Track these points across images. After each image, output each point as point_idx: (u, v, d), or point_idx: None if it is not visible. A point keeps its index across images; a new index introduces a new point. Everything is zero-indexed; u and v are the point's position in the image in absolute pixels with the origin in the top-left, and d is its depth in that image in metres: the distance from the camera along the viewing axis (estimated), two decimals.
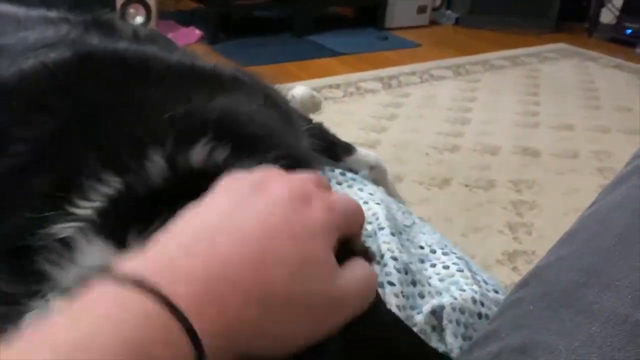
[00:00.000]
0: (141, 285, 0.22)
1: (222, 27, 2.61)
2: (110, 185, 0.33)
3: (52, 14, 0.51)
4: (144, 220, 0.31)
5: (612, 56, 2.85)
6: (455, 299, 0.48)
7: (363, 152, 0.77)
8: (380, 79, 2.30)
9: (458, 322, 0.47)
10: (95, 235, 0.32)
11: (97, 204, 0.33)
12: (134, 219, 0.32)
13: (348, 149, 0.75)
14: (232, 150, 0.34)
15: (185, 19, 2.77)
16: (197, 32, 2.60)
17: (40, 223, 0.32)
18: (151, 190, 0.33)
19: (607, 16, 3.21)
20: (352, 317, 0.28)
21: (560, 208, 1.45)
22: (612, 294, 0.30)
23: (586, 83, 2.47)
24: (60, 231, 0.32)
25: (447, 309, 0.48)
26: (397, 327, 0.33)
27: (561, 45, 3.03)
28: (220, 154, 0.34)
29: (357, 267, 0.30)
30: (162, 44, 0.53)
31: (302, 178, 0.30)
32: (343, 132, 1.85)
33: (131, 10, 2.25)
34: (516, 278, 1.19)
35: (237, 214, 0.27)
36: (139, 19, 2.28)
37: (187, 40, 2.53)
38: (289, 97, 1.17)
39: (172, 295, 0.22)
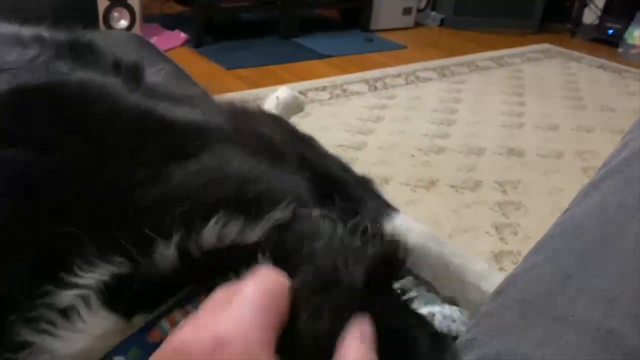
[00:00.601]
0: None
1: (207, 30, 2.60)
2: (117, 265, 0.32)
3: (27, 32, 0.47)
4: (152, 299, 0.31)
5: (595, 56, 2.89)
6: (444, 307, 0.48)
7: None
8: (366, 81, 2.30)
9: (449, 331, 0.47)
10: (99, 304, 0.31)
11: (101, 277, 0.31)
12: (140, 296, 0.31)
13: (377, 214, 0.62)
14: (244, 220, 0.33)
15: (170, 22, 2.76)
16: (182, 35, 2.59)
17: (33, 294, 0.31)
18: (161, 275, 0.32)
19: (589, 17, 3.25)
20: None
21: (545, 208, 1.46)
22: (585, 302, 0.30)
23: (570, 83, 2.49)
24: (60, 300, 0.31)
25: (438, 317, 0.48)
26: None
27: (545, 46, 3.06)
28: (233, 228, 0.33)
29: None
30: (149, 78, 0.47)
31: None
32: (330, 134, 1.84)
33: (115, 14, 2.24)
34: None
35: None
36: (123, 23, 2.26)
37: (173, 43, 2.52)
38: (273, 99, 1.14)
39: None
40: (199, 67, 2.31)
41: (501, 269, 1.23)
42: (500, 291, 0.36)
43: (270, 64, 2.41)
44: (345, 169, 0.64)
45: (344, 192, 0.55)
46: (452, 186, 1.55)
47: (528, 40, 3.12)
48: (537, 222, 1.39)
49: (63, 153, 0.34)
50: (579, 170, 1.69)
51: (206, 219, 0.33)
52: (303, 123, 1.82)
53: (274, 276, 0.32)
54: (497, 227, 1.37)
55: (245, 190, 0.36)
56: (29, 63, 0.41)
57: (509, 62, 2.73)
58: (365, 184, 0.63)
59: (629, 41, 2.96)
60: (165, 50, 2.07)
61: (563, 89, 2.40)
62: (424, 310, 0.48)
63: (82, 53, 0.45)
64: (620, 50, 2.97)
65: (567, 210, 0.40)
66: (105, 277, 0.31)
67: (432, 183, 1.55)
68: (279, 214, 0.34)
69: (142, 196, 0.34)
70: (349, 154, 1.67)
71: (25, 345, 0.31)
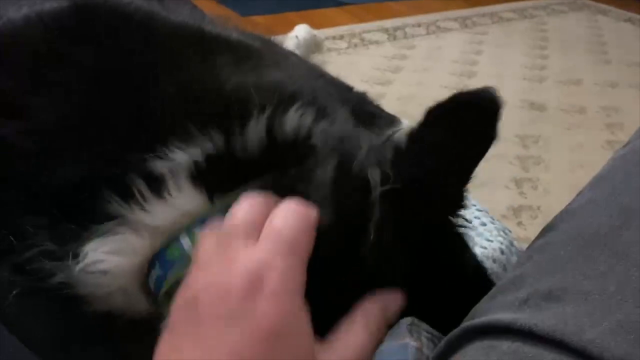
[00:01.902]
0: None
1: None
2: (210, 141, 0.34)
3: None
4: (234, 180, 0.34)
5: (623, 9, 2.78)
6: (485, 248, 0.47)
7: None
8: (385, 30, 2.24)
9: (490, 272, 0.46)
10: (186, 180, 0.34)
11: (194, 153, 0.34)
12: (225, 178, 0.34)
13: (391, 122, 0.70)
14: (315, 115, 0.38)
15: None
16: None
17: (129, 160, 0.33)
18: (247, 152, 0.35)
19: None
20: None
21: (566, 163, 1.43)
22: None
23: (595, 37, 2.41)
24: (153, 169, 0.33)
25: (489, 227, 0.47)
26: None
27: None
28: (307, 119, 0.37)
29: (349, 335, 0.30)
30: (176, 6, 0.50)
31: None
32: None
33: None
34: (521, 233, 1.18)
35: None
36: None
37: None
38: (293, 38, 1.13)
39: None
40: (213, 13, 2.25)
41: (519, 223, 1.22)
42: (552, 227, 0.34)
43: (286, 11, 2.34)
44: (349, 89, 0.73)
45: (356, 110, 0.62)
46: None
47: None
48: (557, 177, 1.37)
49: (139, 56, 0.37)
50: (602, 126, 1.65)
51: (290, 104, 0.37)
52: None
53: (303, 210, 0.31)
54: (517, 181, 1.35)
55: (315, 91, 0.41)
56: None
57: (533, 14, 2.64)
58: (366, 99, 0.73)
59: None
60: None
61: (588, 43, 2.33)
62: (475, 220, 0.48)
63: None
64: None
65: (626, 144, 0.38)
66: (198, 157, 0.34)
67: None
68: (342, 121, 0.39)
69: (228, 82, 0.37)
70: None
71: (112, 216, 0.33)
